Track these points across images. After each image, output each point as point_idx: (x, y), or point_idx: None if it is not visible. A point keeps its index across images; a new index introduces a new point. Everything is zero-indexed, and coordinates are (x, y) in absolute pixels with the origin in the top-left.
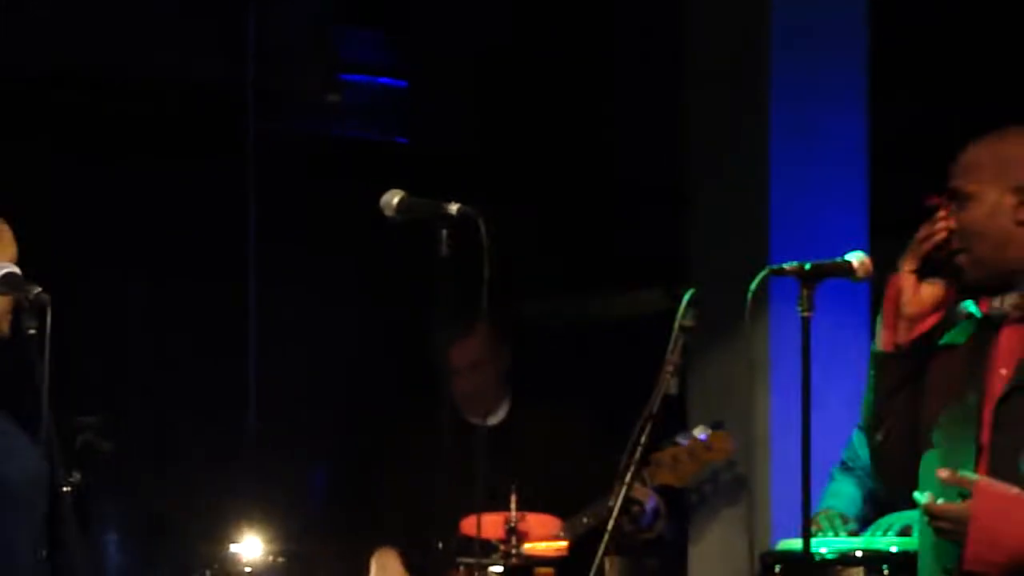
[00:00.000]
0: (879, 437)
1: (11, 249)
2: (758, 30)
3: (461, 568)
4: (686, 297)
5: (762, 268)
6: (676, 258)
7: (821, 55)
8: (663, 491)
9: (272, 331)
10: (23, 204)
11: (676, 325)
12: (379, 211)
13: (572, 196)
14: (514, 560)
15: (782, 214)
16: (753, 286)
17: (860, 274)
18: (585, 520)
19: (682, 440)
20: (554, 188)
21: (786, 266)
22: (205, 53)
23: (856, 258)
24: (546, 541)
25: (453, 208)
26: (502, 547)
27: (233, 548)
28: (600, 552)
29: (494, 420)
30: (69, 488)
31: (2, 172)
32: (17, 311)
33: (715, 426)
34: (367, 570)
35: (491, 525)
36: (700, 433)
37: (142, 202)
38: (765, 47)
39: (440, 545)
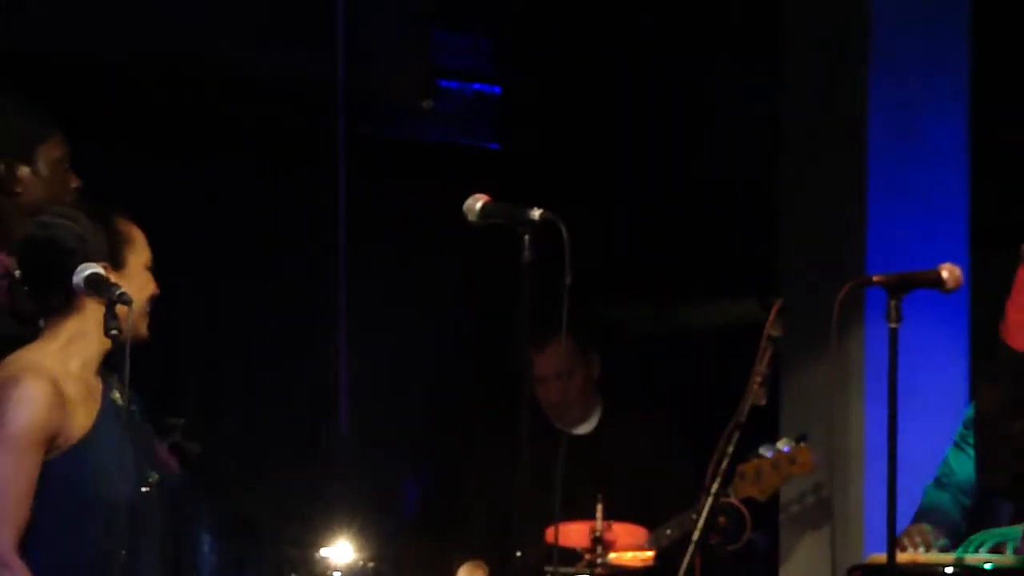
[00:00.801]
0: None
1: (146, 253)
2: (857, 33)
3: None
4: (775, 307)
5: (858, 278)
6: (770, 267)
7: (922, 58)
8: (750, 503)
9: (362, 334)
10: (116, 205)
11: (764, 335)
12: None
13: (664, 203)
14: (599, 570)
15: (879, 222)
16: (839, 298)
17: (950, 285)
18: (670, 532)
19: (766, 453)
20: (646, 195)
21: (874, 277)
22: (299, 54)
23: (946, 269)
24: (632, 551)
25: (535, 213)
26: (587, 556)
27: (323, 552)
28: (685, 563)
29: (583, 429)
30: (148, 488)
31: (95, 172)
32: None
33: (799, 439)
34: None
35: (577, 534)
36: (784, 446)
37: (234, 203)
38: (864, 50)
39: (519, 554)
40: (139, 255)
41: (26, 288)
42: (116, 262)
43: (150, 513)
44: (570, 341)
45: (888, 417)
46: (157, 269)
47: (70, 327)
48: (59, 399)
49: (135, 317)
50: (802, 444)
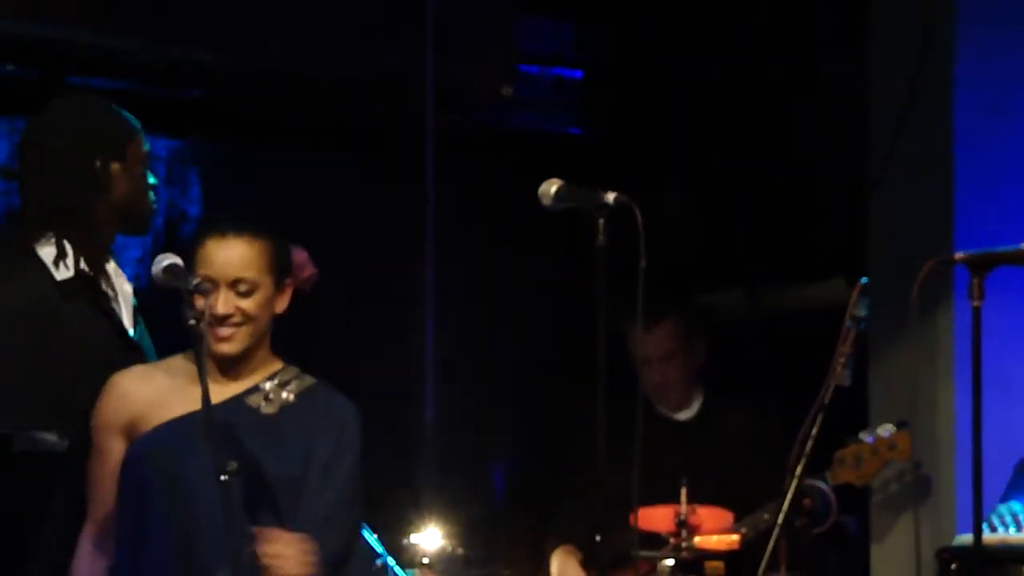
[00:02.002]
0: None
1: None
2: (944, 10)
3: (633, 562)
4: (857, 288)
5: (941, 256)
6: (860, 247)
7: (1009, 34)
8: (841, 486)
9: (449, 321)
10: (212, 196)
11: (848, 315)
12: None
13: (751, 186)
14: (684, 554)
15: (967, 201)
16: (920, 278)
17: None
18: (767, 516)
19: (866, 438)
20: (731, 178)
21: (956, 255)
22: (385, 43)
23: None
24: (717, 535)
25: (610, 197)
26: (672, 540)
27: (413, 538)
28: (770, 546)
29: (684, 415)
30: (226, 477)
31: (185, 164)
32: (183, 303)
33: (900, 424)
34: (546, 563)
35: (662, 519)
36: (884, 431)
37: (321, 193)
38: (950, 27)
39: (598, 539)
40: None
41: None
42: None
43: (231, 502)
44: (676, 324)
45: (972, 396)
46: None
47: None
48: (143, 389)
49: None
50: (902, 430)
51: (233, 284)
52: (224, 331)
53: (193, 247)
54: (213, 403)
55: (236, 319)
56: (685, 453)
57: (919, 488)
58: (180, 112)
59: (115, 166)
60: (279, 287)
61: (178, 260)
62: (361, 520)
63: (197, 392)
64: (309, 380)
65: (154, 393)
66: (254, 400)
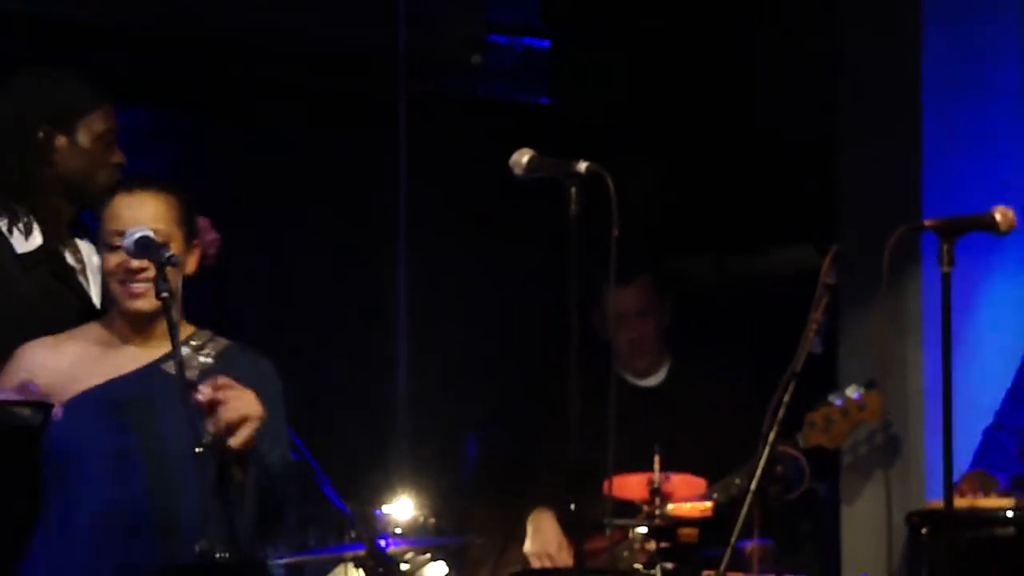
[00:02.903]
0: None
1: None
2: None
3: (606, 529)
4: (829, 254)
5: (911, 223)
6: (827, 214)
7: (976, 1)
8: (813, 451)
9: (422, 291)
10: (176, 168)
11: (820, 282)
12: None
13: (718, 152)
14: (658, 521)
15: (935, 168)
16: (890, 244)
17: (1003, 227)
18: (738, 481)
19: (835, 400)
20: (700, 144)
21: (926, 221)
22: (356, 14)
23: (999, 211)
24: (691, 502)
25: (582, 166)
26: (646, 508)
27: (385, 508)
28: (743, 513)
29: (651, 382)
30: (202, 449)
31: (155, 139)
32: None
33: (868, 385)
34: (522, 532)
35: (635, 486)
36: (853, 392)
37: (293, 164)
38: None
39: (572, 507)
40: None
41: None
42: None
43: (204, 472)
44: (650, 282)
45: (943, 361)
46: (219, 231)
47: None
48: (52, 360)
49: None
50: (872, 390)
51: None
52: (138, 287)
53: (102, 207)
54: (129, 370)
55: (149, 273)
56: (652, 420)
57: (889, 452)
58: (156, 83)
59: (60, 139)
60: (188, 245)
61: (150, 232)
62: (292, 475)
63: (115, 360)
64: (224, 342)
65: (66, 364)
66: (171, 366)
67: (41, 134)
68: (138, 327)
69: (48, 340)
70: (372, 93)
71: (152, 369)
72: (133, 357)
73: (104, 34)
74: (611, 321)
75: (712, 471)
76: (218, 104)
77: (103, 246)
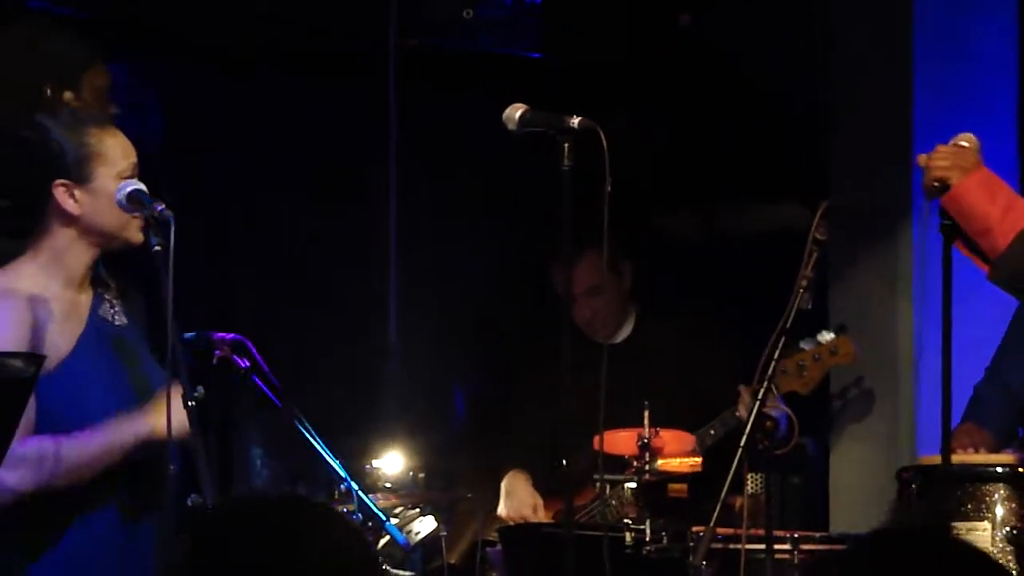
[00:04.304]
0: None
1: (124, 162)
2: None
3: (597, 485)
4: (820, 210)
5: (905, 181)
6: (817, 171)
7: None
8: (800, 406)
9: (411, 247)
10: (169, 124)
11: (809, 238)
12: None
13: (709, 108)
14: (647, 476)
15: (925, 125)
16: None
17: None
18: (713, 432)
19: (806, 345)
20: (691, 100)
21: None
22: None
23: (965, 139)
24: (680, 457)
25: (574, 121)
26: (635, 463)
27: (374, 463)
28: (733, 469)
29: (619, 338)
30: (193, 403)
31: (141, 86)
32: (146, 228)
33: (838, 330)
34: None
35: (624, 442)
36: (824, 337)
37: (287, 118)
38: None
39: (564, 463)
40: (111, 167)
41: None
42: (80, 176)
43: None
44: (597, 256)
45: (943, 316)
46: (207, 185)
47: (46, 247)
48: (28, 320)
49: (122, 222)
50: (842, 335)
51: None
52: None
53: (82, 149)
54: (83, 316)
55: None
56: (623, 376)
57: (877, 410)
58: (146, 37)
59: (68, 94)
60: None
61: (140, 185)
62: None
63: (77, 324)
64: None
65: (40, 325)
66: (105, 311)
67: (49, 90)
68: (86, 272)
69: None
70: (363, 48)
71: (95, 316)
72: (77, 301)
73: None
74: (563, 296)
75: (686, 419)
76: (207, 60)
77: (116, 178)
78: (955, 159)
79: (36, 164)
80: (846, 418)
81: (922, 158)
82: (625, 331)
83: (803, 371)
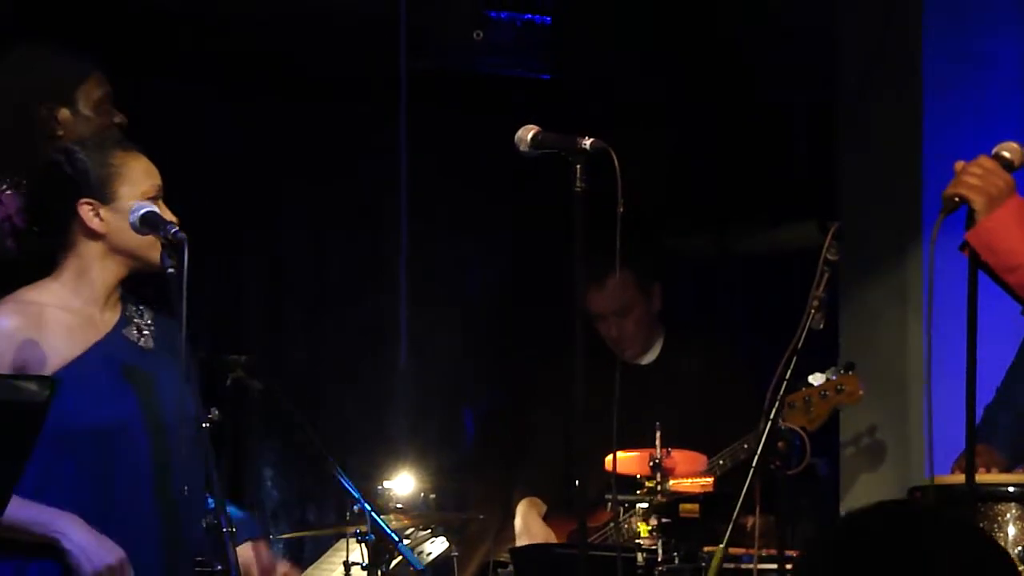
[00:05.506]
0: None
1: (147, 183)
2: None
3: (608, 506)
4: (831, 231)
5: (916, 198)
6: (829, 190)
7: None
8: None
9: (422, 268)
10: (176, 144)
11: (821, 259)
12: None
13: (721, 128)
14: (659, 497)
15: (936, 145)
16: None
17: (1018, 163)
18: (726, 460)
19: (814, 382)
20: (702, 121)
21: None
22: None
23: (1008, 149)
24: (692, 478)
25: (587, 143)
26: (647, 484)
27: (386, 484)
28: (744, 488)
29: (646, 360)
30: (207, 424)
31: (154, 111)
32: (161, 251)
33: (847, 368)
34: (514, 510)
35: (636, 462)
36: (832, 374)
37: (296, 139)
38: None
39: (577, 483)
40: (135, 187)
41: (34, 228)
42: (105, 195)
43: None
44: (629, 276)
45: (968, 334)
46: (220, 207)
47: (71, 265)
48: (28, 328)
49: (146, 243)
50: (850, 373)
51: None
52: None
53: (105, 169)
54: (102, 332)
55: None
56: (647, 397)
57: (888, 430)
58: (158, 55)
59: (63, 112)
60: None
61: (154, 208)
62: None
63: (92, 334)
64: (149, 309)
65: (46, 332)
66: (130, 332)
67: (43, 110)
68: (111, 291)
69: (9, 307)
70: (373, 69)
71: (115, 336)
72: (101, 321)
73: (102, 4)
74: (592, 318)
75: (706, 444)
76: (218, 79)
77: (140, 197)
78: (984, 182)
79: (62, 183)
80: (857, 439)
81: (959, 164)
82: (653, 352)
83: (810, 408)
